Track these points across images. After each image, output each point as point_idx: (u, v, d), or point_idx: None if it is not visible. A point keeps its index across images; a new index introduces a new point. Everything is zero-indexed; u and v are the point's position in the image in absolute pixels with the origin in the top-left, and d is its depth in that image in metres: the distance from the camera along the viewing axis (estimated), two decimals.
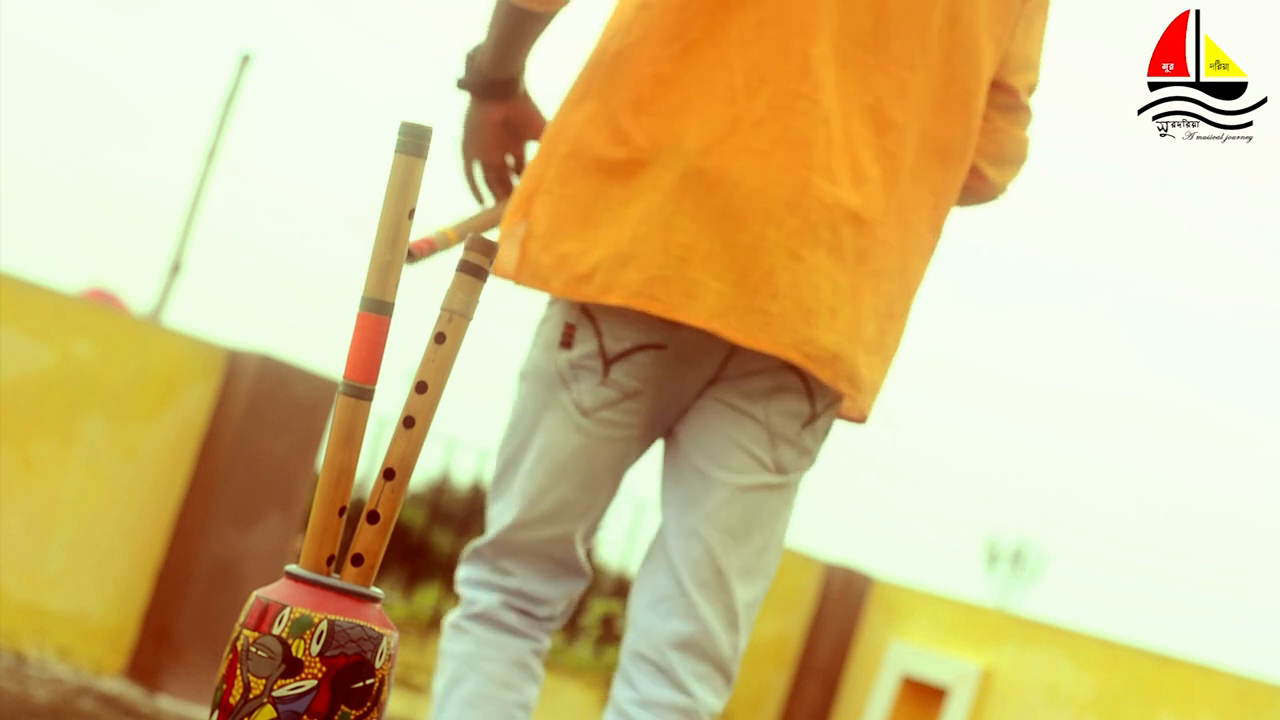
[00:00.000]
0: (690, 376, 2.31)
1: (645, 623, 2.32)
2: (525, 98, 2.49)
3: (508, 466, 2.39)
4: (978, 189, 2.46)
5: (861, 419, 2.38)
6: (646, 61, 2.26)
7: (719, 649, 2.31)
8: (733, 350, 2.30)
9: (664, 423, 2.36)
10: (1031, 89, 2.43)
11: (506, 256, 2.30)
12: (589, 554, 2.43)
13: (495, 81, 2.46)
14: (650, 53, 2.26)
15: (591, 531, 2.41)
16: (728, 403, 2.31)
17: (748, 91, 2.22)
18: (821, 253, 2.22)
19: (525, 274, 2.29)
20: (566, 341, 2.31)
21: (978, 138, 2.37)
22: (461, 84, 2.49)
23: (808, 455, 2.37)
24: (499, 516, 2.40)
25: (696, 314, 2.20)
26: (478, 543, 2.42)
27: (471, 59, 2.49)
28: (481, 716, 2.34)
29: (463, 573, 2.44)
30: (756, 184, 2.21)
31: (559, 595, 2.40)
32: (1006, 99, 2.41)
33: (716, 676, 2.32)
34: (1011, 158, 2.45)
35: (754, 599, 2.35)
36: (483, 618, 2.38)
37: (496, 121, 2.48)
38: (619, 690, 2.34)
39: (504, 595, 2.38)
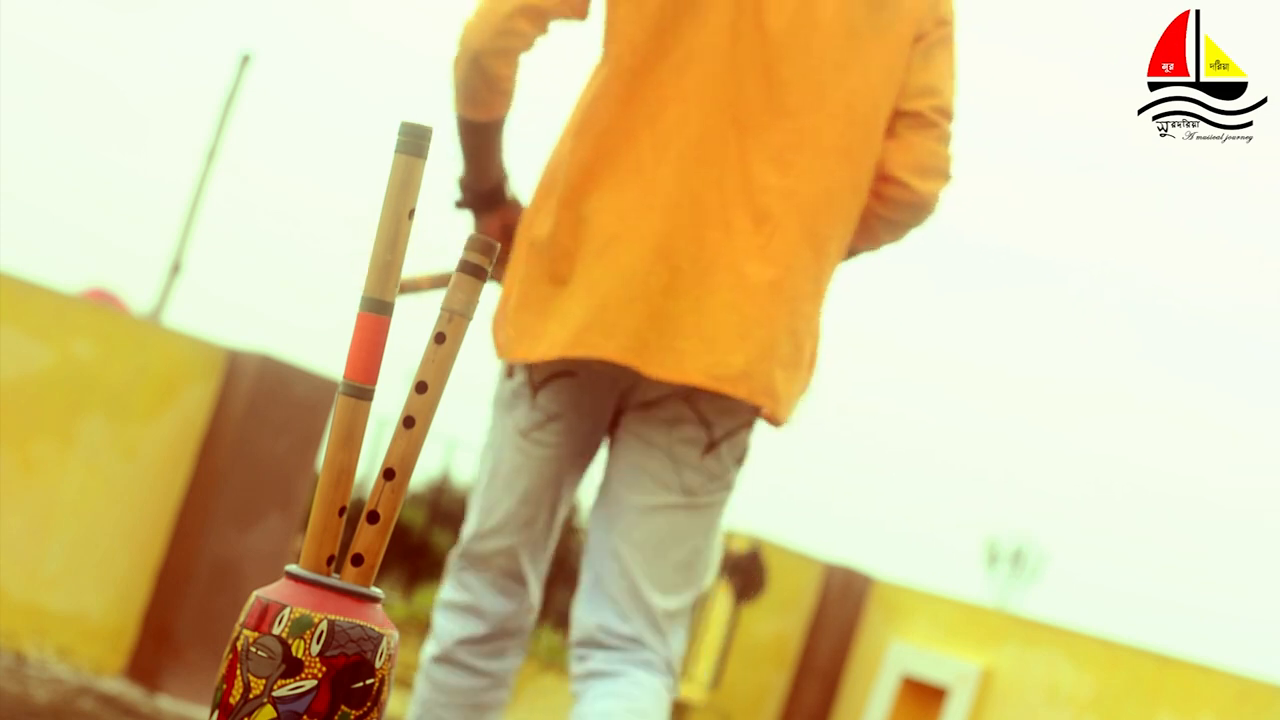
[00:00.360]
0: (601, 401, 2.68)
1: (579, 617, 2.69)
2: (515, 203, 2.86)
3: (477, 484, 2.78)
4: (904, 200, 2.77)
5: (779, 424, 2.69)
6: (569, 153, 2.64)
7: (649, 644, 2.64)
8: (636, 380, 2.64)
9: (591, 445, 2.73)
10: (938, 110, 2.77)
11: (498, 338, 2.73)
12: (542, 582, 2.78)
13: (482, 194, 2.84)
14: (572, 144, 2.64)
15: (538, 553, 2.76)
16: (636, 433, 2.66)
17: (655, 162, 2.60)
18: (724, 291, 2.58)
19: (504, 353, 2.71)
20: (509, 372, 2.73)
21: (882, 163, 2.73)
22: (459, 205, 2.86)
23: (717, 480, 2.68)
24: (466, 529, 2.78)
25: (611, 350, 2.56)
26: (453, 552, 2.80)
27: (460, 181, 2.85)
28: None
29: (440, 594, 2.82)
30: (664, 240, 2.58)
31: (509, 612, 2.75)
32: (913, 120, 2.75)
33: (656, 661, 2.64)
34: (930, 169, 2.76)
35: (677, 608, 2.66)
36: (442, 660, 2.76)
37: (495, 230, 2.83)
38: (573, 673, 2.69)
39: (461, 621, 2.75)
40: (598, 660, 2.65)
